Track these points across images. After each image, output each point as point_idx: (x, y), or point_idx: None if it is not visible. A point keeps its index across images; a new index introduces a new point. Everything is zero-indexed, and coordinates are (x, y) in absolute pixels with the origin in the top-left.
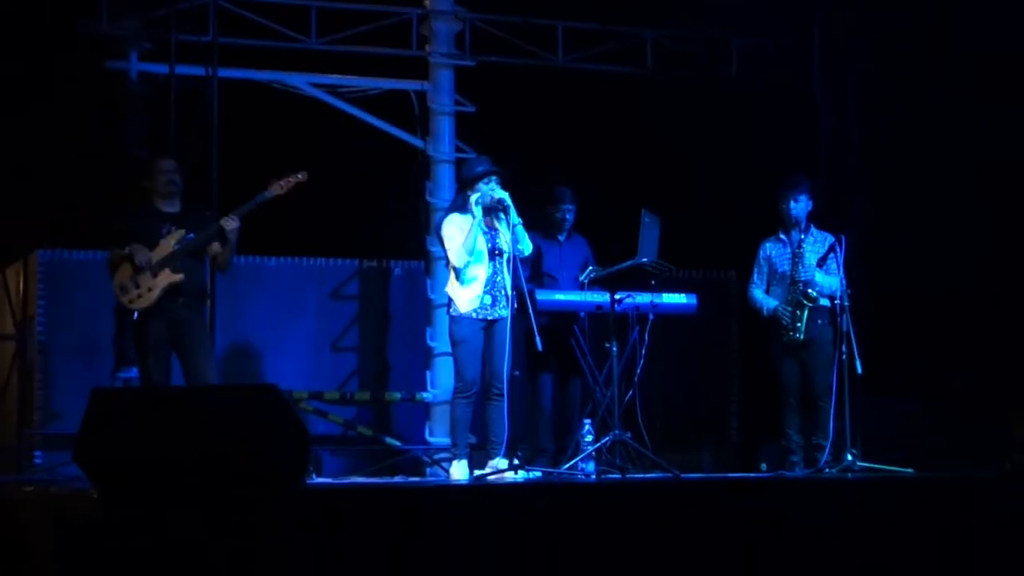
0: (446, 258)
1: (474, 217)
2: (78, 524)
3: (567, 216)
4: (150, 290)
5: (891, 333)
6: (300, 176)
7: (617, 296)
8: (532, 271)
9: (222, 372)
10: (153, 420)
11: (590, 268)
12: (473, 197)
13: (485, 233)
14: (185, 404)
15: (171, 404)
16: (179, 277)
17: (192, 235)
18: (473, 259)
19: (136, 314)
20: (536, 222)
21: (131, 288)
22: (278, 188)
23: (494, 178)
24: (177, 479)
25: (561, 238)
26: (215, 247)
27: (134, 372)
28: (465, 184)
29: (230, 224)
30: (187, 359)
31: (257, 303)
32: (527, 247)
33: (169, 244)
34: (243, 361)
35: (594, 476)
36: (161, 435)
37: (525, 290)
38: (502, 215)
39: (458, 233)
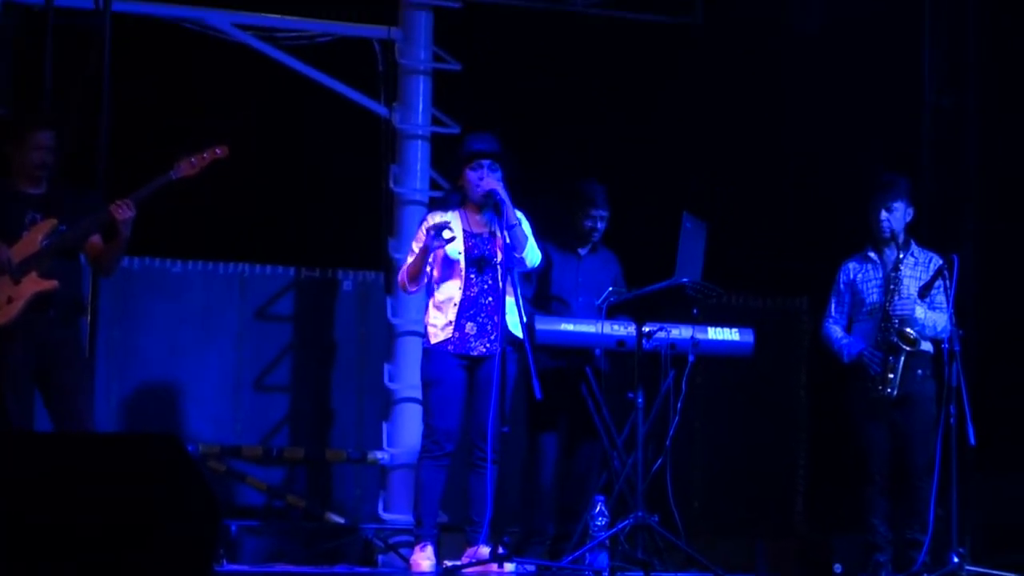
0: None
1: (435, 241)
2: None
3: (599, 225)
4: (10, 301)
5: (1016, 389)
6: (219, 151)
7: (646, 329)
8: (536, 293)
9: (104, 415)
10: (7, 476)
11: (610, 289)
12: (432, 220)
13: (470, 236)
14: (52, 456)
15: (32, 454)
16: (51, 284)
17: (64, 226)
18: (443, 269)
19: None
20: (547, 226)
21: None
22: (188, 167)
23: (486, 163)
24: (37, 562)
25: (582, 251)
26: (95, 242)
27: None
28: (453, 170)
29: (123, 213)
30: (57, 395)
31: (155, 322)
32: (533, 256)
33: (35, 239)
34: (133, 401)
35: (607, 573)
36: (16, 498)
37: (522, 317)
38: (493, 212)
39: (416, 244)
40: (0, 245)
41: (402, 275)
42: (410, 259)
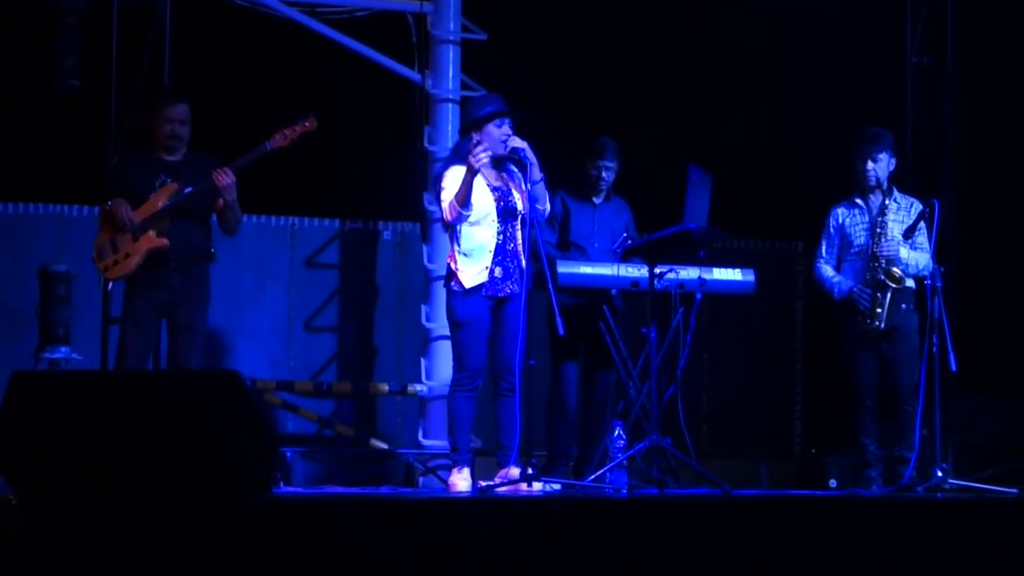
0: (442, 218)
1: (475, 167)
2: None
3: (604, 174)
4: (128, 256)
5: (992, 320)
6: (308, 124)
7: (657, 270)
8: (559, 239)
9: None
10: (87, 411)
11: (624, 235)
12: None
13: (495, 190)
14: (126, 392)
15: (109, 392)
16: (162, 243)
17: (189, 189)
18: (474, 220)
19: (111, 285)
20: (565, 179)
21: (108, 252)
22: (281, 139)
23: (507, 121)
24: (115, 484)
25: (597, 200)
26: (220, 204)
27: (62, 352)
28: (469, 127)
29: (222, 180)
30: (173, 339)
31: (214, 271)
32: (547, 207)
33: (157, 202)
34: None
35: (625, 490)
36: (96, 430)
37: (544, 260)
38: (515, 168)
39: (455, 185)
40: (124, 205)
41: (452, 207)
42: (452, 193)
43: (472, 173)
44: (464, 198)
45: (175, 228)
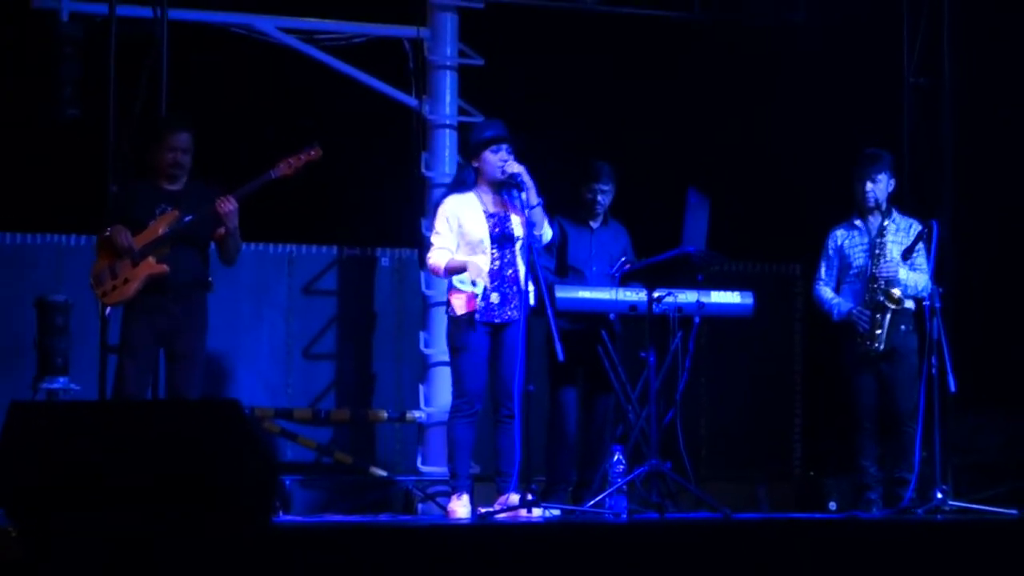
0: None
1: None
2: None
3: (599, 198)
4: (127, 282)
5: (991, 341)
6: (313, 153)
7: (656, 294)
8: (557, 264)
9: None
10: (86, 441)
11: (623, 259)
12: (456, 279)
13: (491, 216)
14: (125, 421)
15: (108, 421)
16: (162, 269)
17: (189, 217)
18: (468, 248)
19: (108, 310)
20: (564, 203)
21: (106, 278)
22: (286, 167)
23: (504, 147)
24: (115, 514)
25: (594, 225)
26: (220, 232)
27: (60, 382)
28: (469, 154)
29: (225, 207)
30: (172, 367)
31: (213, 298)
32: (546, 233)
33: (157, 229)
34: None
35: (625, 515)
36: (96, 460)
37: (543, 285)
38: (515, 192)
39: (447, 230)
40: (124, 232)
41: (437, 268)
42: (444, 261)
43: (462, 270)
44: (449, 275)
45: (175, 255)
